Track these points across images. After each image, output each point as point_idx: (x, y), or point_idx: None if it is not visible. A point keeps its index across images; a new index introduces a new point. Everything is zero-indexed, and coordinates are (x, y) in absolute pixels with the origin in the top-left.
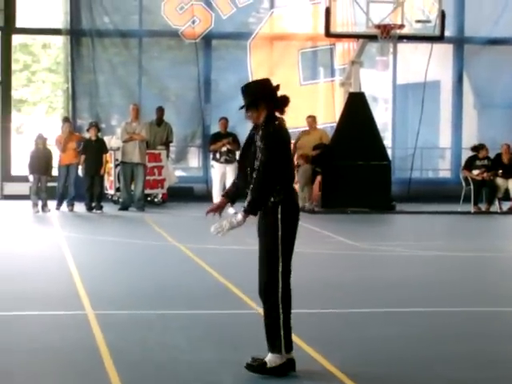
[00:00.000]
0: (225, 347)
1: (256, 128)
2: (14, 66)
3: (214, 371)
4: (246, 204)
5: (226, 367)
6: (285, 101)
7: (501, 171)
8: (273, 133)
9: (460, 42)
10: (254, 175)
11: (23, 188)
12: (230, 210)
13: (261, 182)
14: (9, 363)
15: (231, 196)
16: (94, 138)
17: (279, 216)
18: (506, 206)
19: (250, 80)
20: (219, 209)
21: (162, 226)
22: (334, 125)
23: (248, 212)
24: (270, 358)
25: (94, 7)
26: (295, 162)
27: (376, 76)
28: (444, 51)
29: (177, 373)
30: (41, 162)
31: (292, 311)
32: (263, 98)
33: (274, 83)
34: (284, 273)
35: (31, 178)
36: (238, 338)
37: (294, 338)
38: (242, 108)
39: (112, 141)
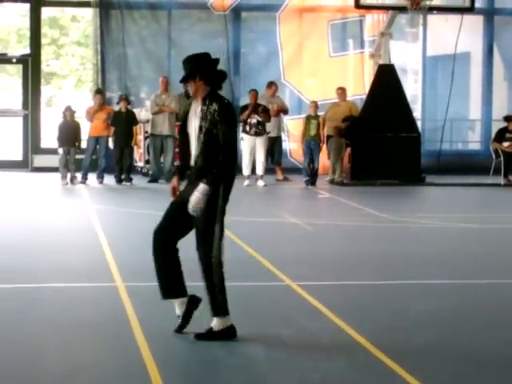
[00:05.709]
0: (255, 319)
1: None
2: (42, 40)
3: (245, 343)
4: (211, 176)
5: (256, 340)
6: (221, 75)
7: None
8: (228, 105)
9: (490, 14)
10: (221, 149)
11: (52, 161)
12: (260, 183)
13: (228, 154)
14: (39, 335)
15: (182, 172)
16: (124, 110)
17: (221, 187)
18: None
19: (280, 52)
20: (176, 190)
21: None
22: (364, 97)
23: (212, 184)
24: (215, 322)
25: None
26: (325, 134)
27: (406, 48)
28: (474, 23)
29: (208, 345)
30: (69, 134)
31: (322, 283)
32: (199, 70)
33: (304, 54)
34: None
35: (60, 150)
36: (268, 310)
37: (324, 309)
38: (181, 81)
39: (141, 113)
